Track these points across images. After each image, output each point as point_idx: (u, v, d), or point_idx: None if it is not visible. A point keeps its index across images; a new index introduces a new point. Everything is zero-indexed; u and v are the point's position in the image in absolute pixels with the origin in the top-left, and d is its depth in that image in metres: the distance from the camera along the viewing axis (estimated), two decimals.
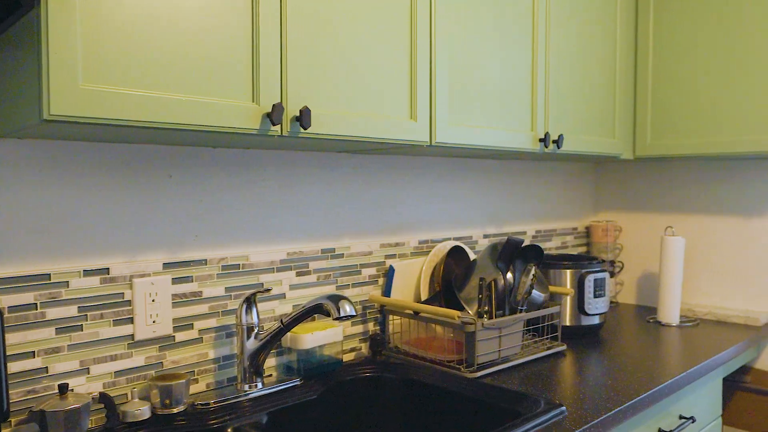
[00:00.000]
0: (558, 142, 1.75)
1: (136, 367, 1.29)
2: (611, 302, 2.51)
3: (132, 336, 1.28)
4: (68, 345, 1.19)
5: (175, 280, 1.34)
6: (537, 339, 1.79)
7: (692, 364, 1.61)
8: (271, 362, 1.52)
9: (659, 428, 1.55)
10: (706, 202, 2.29)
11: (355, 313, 1.27)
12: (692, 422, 1.63)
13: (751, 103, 1.91)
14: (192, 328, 1.37)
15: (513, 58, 1.64)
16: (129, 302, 1.27)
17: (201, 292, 1.39)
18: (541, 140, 1.71)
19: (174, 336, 1.34)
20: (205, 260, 1.39)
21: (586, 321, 1.92)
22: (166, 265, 1.33)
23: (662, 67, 2.10)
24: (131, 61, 0.94)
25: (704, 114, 2.01)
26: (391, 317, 1.72)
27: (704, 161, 2.29)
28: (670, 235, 2.15)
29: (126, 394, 1.27)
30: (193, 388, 1.38)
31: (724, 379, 2.12)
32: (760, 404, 2.13)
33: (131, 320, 1.28)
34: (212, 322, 1.41)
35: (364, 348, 1.73)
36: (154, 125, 0.96)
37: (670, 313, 2.11)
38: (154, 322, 1.30)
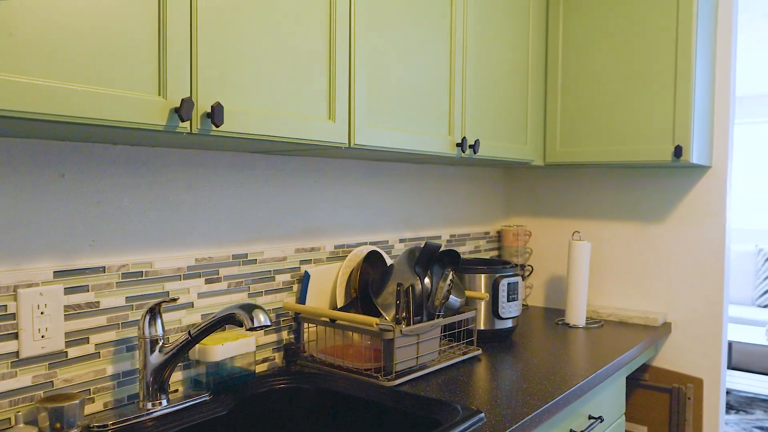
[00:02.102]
0: (474, 147, 1.76)
1: (22, 388, 1.15)
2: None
3: (17, 353, 1.14)
4: None
5: (68, 290, 1.21)
6: (453, 344, 1.79)
7: (600, 365, 1.67)
8: (177, 376, 1.41)
9: (570, 429, 1.58)
10: (610, 208, 2.39)
11: (270, 323, 1.20)
12: (600, 422, 1.68)
13: (649, 115, 2.01)
14: (87, 342, 1.25)
15: (431, 63, 1.63)
16: (13, 315, 1.14)
17: (98, 302, 1.27)
18: (458, 145, 1.71)
19: (66, 352, 1.22)
20: (103, 267, 1.27)
21: (500, 325, 1.94)
22: (58, 274, 1.20)
23: (570, 79, 2.18)
24: (15, 45, 0.83)
25: (607, 123, 2.10)
26: (306, 325, 1.66)
27: (608, 169, 2.39)
28: (576, 240, 2.22)
29: (9, 418, 1.13)
30: (89, 409, 1.26)
31: (626, 378, 2.22)
32: (657, 400, 2.25)
33: (15, 335, 1.14)
34: (111, 335, 1.29)
35: (278, 358, 1.65)
36: (42, 118, 0.85)
37: (577, 315, 2.19)
38: (42, 337, 1.17)
